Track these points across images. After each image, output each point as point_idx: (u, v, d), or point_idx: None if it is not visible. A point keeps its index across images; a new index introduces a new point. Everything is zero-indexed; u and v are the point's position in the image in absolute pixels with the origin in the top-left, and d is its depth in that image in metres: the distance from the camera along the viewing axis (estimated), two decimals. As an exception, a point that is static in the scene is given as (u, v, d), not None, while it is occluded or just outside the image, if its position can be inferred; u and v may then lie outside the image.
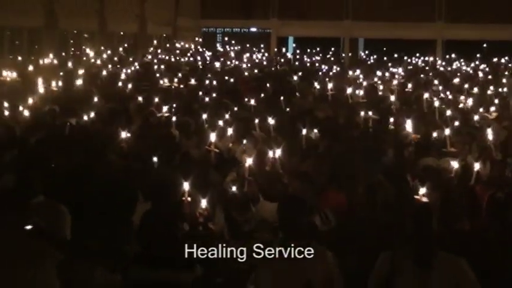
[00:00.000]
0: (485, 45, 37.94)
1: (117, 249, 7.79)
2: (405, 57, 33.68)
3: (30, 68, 23.77)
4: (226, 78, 24.95)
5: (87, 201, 8.51)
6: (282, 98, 18.32)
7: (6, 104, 15.31)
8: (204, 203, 7.42)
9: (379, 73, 27.01)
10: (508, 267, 6.75)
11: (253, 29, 44.30)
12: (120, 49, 33.10)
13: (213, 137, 11.89)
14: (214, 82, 23.44)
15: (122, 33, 36.27)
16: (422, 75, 27.56)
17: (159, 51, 34.34)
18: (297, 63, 32.59)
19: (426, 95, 18.51)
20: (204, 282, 6.68)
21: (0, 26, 28.58)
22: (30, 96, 17.23)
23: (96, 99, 17.47)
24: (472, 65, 31.79)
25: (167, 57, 32.09)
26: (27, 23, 30.42)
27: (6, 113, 15.00)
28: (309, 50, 37.65)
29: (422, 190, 8.27)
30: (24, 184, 7.14)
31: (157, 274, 6.38)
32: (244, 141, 12.54)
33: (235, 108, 16.64)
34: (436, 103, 16.95)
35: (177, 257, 6.54)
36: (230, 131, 13.01)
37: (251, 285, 6.55)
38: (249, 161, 9.89)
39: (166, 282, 6.36)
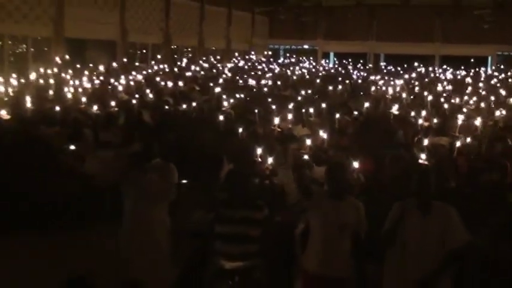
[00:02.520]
0: (472, 60, 37.42)
1: (211, 195, 7.83)
2: (418, 68, 33.18)
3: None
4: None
5: (190, 162, 8.60)
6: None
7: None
8: (270, 160, 7.40)
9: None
10: (480, 212, 6.71)
11: (305, 46, 44.13)
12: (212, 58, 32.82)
13: (277, 120, 11.93)
14: (279, 82, 23.44)
15: (213, 48, 36.23)
16: (426, 79, 27.49)
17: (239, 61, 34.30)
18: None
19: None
20: (269, 219, 6.66)
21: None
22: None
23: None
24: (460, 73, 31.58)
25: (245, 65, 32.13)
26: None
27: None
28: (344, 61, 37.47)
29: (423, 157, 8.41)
30: (148, 150, 7.31)
31: (238, 213, 6.37)
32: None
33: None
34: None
35: (252, 201, 6.54)
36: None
37: (302, 224, 6.53)
38: (304, 138, 10.00)
39: (244, 218, 6.35)
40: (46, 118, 12.70)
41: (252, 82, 23.04)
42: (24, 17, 22.13)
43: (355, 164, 7.88)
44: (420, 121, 13.30)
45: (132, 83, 20.64)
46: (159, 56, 29.90)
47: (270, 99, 16.88)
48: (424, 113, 13.93)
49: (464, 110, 15.70)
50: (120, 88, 18.57)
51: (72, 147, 10.58)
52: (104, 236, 9.28)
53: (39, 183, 10.04)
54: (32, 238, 9.37)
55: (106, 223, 9.81)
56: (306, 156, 9.34)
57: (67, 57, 23.89)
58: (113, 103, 14.75)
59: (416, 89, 22.38)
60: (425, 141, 10.31)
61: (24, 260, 8.67)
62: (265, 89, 20.95)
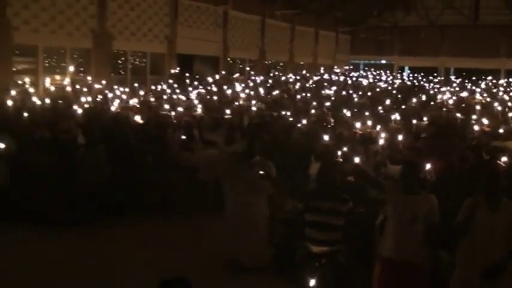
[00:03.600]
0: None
1: (301, 188, 7.86)
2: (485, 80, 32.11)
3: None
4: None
5: (283, 160, 8.64)
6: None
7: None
8: (356, 160, 7.33)
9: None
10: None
11: (383, 61, 43.47)
12: (304, 71, 32.80)
13: (358, 124, 11.87)
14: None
15: (302, 63, 36.20)
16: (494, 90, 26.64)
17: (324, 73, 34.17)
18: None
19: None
20: (352, 211, 6.63)
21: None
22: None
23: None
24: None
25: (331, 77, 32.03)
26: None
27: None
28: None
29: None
30: (250, 149, 7.40)
31: (325, 204, 6.36)
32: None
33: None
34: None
35: (337, 194, 6.52)
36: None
37: (381, 215, 6.45)
38: (381, 140, 9.88)
39: (331, 209, 6.34)
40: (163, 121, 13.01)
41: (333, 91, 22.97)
42: (144, 35, 22.77)
43: (428, 163, 7.74)
44: (476, 127, 12.96)
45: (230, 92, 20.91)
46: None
47: (351, 107, 16.79)
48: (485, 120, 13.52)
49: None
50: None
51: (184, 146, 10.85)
52: (206, 222, 9.47)
53: (156, 176, 10.31)
54: (151, 223, 9.66)
55: (209, 212, 10.05)
56: (382, 156, 9.27)
57: (178, 70, 24.47)
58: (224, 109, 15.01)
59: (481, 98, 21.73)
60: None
61: (133, 241, 8.91)
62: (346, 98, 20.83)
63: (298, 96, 20.57)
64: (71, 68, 19.30)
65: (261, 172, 7.23)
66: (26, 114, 12.31)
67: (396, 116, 14.03)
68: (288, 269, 6.90)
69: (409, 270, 5.81)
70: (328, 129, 11.96)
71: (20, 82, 17.45)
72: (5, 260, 7.81)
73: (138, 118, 12.68)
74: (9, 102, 13.70)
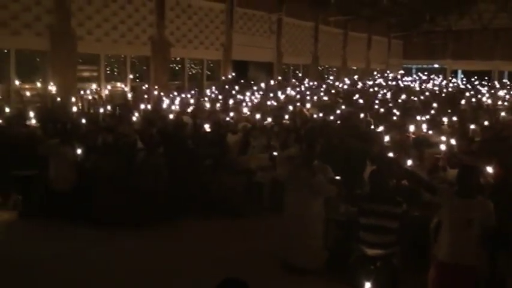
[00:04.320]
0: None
1: (355, 191, 7.81)
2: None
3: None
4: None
5: (338, 163, 8.58)
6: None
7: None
8: (409, 163, 7.25)
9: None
10: None
11: (436, 65, 42.72)
12: (356, 77, 32.52)
13: (411, 127, 11.74)
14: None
15: (354, 68, 35.96)
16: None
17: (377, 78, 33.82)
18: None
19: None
20: (406, 214, 6.55)
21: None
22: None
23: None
24: None
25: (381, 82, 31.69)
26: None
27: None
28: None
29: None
30: (309, 153, 7.38)
31: (380, 207, 6.30)
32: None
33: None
34: None
35: (392, 197, 6.46)
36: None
37: (436, 218, 6.34)
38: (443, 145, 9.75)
39: (385, 212, 6.28)
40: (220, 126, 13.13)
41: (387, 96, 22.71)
42: (201, 43, 23.04)
43: (485, 168, 7.57)
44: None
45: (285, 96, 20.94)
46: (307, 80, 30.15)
47: (404, 110, 16.60)
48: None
49: None
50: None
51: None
52: (262, 224, 9.49)
53: (215, 178, 10.40)
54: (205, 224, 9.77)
55: (265, 214, 10.07)
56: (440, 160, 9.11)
57: (233, 75, 24.65)
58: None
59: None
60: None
61: (191, 242, 8.97)
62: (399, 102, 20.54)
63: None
64: (131, 75, 19.69)
65: (335, 177, 7.30)
66: (88, 120, 12.65)
67: (451, 119, 13.80)
68: (341, 271, 6.85)
69: (465, 274, 5.70)
70: (383, 133, 11.85)
71: (83, 89, 17.82)
72: (72, 261, 8.00)
73: (195, 122, 12.83)
74: (74, 108, 14.08)
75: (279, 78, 27.24)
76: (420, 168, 8.53)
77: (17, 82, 15.81)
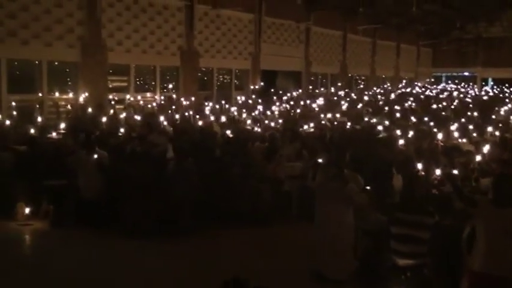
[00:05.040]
0: None
1: (385, 200, 7.71)
2: None
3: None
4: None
5: (366, 172, 8.49)
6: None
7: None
8: (438, 172, 7.11)
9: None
10: None
11: (466, 73, 42.23)
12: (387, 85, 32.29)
13: (440, 135, 11.62)
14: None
15: (383, 76, 35.76)
16: None
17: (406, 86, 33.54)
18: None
19: None
20: (438, 224, 6.42)
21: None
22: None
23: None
24: None
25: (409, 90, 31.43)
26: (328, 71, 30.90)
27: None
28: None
29: None
30: (339, 162, 7.28)
31: (410, 217, 6.19)
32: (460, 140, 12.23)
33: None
34: None
35: (423, 207, 6.34)
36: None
37: (468, 228, 6.20)
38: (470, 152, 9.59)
39: (416, 222, 6.16)
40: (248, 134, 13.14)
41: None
42: (230, 53, 23.10)
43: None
44: None
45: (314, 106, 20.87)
46: (339, 84, 29.99)
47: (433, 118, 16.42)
48: None
49: None
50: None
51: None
52: (292, 234, 9.43)
53: (242, 187, 10.37)
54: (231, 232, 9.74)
55: (293, 222, 10.01)
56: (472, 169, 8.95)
57: (262, 85, 24.65)
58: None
59: None
60: None
61: (220, 250, 9.00)
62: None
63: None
64: (161, 85, 19.78)
65: (367, 187, 7.21)
66: (118, 129, 12.74)
67: (486, 128, 13.61)
68: (372, 281, 6.75)
69: (500, 285, 5.55)
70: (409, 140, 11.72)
71: (114, 99, 17.98)
72: (103, 270, 8.04)
73: (224, 132, 12.84)
74: (104, 118, 14.19)
75: (310, 87, 27.13)
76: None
77: (48, 93, 16.00)
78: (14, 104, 14.80)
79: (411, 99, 24.83)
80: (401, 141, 11.57)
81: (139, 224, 9.29)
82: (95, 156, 9.93)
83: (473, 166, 9.06)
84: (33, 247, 9.48)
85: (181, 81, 20.59)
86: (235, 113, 17.48)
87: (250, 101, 20.99)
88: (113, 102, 17.45)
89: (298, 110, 18.94)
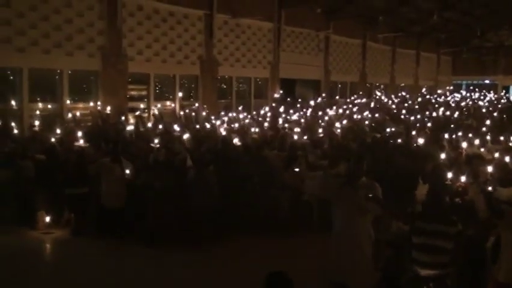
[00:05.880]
0: None
1: (407, 209, 7.65)
2: None
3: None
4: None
5: (387, 181, 8.42)
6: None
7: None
8: (463, 179, 7.04)
9: None
10: None
11: (486, 81, 41.90)
12: (404, 93, 32.20)
13: (464, 144, 11.52)
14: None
15: (403, 84, 35.59)
16: None
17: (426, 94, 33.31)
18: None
19: None
20: (461, 234, 6.34)
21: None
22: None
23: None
24: None
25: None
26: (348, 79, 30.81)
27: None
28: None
29: None
30: (356, 171, 7.18)
31: (433, 226, 6.12)
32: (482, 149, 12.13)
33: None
34: None
35: (446, 216, 6.27)
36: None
37: (493, 238, 6.13)
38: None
39: (438, 231, 6.10)
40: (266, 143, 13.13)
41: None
42: (249, 62, 23.14)
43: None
44: None
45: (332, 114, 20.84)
46: (360, 93, 29.95)
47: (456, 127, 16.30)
48: None
49: None
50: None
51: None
52: (312, 243, 9.38)
53: (262, 195, 10.37)
54: (250, 242, 9.71)
55: (314, 232, 9.96)
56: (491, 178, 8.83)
57: (281, 93, 24.66)
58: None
59: None
60: None
61: (241, 259, 8.99)
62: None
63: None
64: (180, 94, 19.87)
65: (370, 195, 7.06)
66: (140, 138, 12.82)
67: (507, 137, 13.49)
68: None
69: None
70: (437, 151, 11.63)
71: (136, 108, 18.12)
72: (126, 279, 8.09)
73: (242, 140, 12.87)
74: (127, 127, 14.27)
75: (323, 95, 27.07)
76: (475, 185, 8.30)
77: (68, 102, 16.14)
78: (38, 112, 14.95)
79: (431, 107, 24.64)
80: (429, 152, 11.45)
81: (160, 233, 9.32)
82: (121, 165, 9.97)
83: (494, 175, 8.95)
84: (53, 256, 9.56)
85: (200, 90, 20.67)
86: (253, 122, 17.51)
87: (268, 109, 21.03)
88: (138, 113, 17.57)
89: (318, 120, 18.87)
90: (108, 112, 16.08)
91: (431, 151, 11.37)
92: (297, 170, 10.66)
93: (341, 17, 27.18)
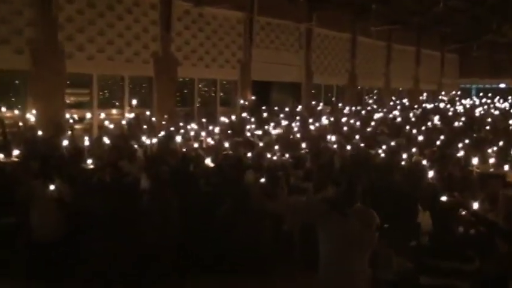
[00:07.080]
0: None
1: (410, 242, 7.70)
2: None
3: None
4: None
5: (384, 206, 8.46)
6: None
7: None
8: (475, 205, 7.11)
9: None
10: None
11: (501, 85, 42.58)
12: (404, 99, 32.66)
13: (475, 160, 11.71)
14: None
15: (400, 88, 36.01)
16: None
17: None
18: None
19: None
20: (480, 271, 6.40)
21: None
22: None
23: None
24: None
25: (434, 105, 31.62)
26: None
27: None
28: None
29: None
30: (348, 195, 7.19)
31: (445, 264, 6.17)
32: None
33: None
34: None
35: (460, 251, 6.32)
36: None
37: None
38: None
39: (452, 270, 6.14)
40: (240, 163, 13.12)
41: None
42: (214, 60, 23.10)
43: None
44: None
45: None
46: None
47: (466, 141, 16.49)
48: None
49: None
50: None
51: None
52: (293, 279, 9.37)
53: (235, 225, 10.32)
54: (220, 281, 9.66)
55: (296, 267, 9.96)
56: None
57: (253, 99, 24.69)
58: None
59: None
60: None
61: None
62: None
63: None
64: (134, 101, 19.56)
65: (385, 225, 7.12)
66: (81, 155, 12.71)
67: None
68: None
69: None
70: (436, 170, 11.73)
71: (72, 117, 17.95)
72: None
73: (209, 159, 12.83)
74: (64, 141, 14.08)
75: (313, 102, 27.20)
76: (493, 213, 8.38)
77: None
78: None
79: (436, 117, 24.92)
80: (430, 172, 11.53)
81: (105, 272, 9.22)
82: (52, 187, 9.81)
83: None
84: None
85: (155, 96, 20.55)
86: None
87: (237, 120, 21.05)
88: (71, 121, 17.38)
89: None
90: (33, 121, 15.85)
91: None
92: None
93: (326, 6, 27.34)
